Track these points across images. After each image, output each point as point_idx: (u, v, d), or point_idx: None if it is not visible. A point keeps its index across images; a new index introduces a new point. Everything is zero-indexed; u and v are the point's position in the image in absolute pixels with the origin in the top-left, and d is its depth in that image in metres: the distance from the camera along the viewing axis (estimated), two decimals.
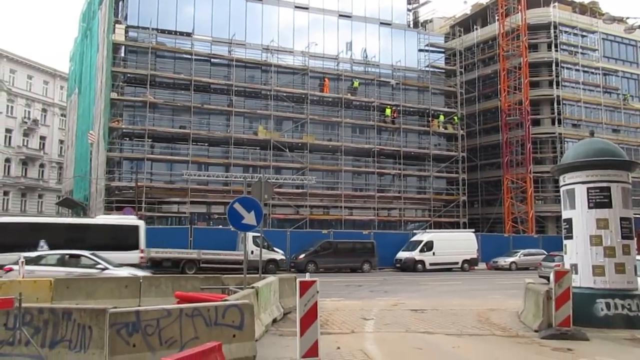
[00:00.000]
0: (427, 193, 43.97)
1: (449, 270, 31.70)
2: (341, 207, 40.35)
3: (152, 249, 25.27)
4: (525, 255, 33.58)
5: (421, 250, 31.67)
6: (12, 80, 54.30)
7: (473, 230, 37.27)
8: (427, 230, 36.42)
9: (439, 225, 41.70)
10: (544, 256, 28.09)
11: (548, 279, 18.75)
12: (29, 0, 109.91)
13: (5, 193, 52.73)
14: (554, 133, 45.35)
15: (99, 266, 15.95)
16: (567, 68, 47.40)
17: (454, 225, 42.62)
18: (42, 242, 24.70)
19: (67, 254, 16.87)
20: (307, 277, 7.09)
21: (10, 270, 15.42)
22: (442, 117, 45.09)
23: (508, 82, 44.53)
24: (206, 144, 38.50)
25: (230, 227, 11.49)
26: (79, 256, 16.57)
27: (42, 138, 58.00)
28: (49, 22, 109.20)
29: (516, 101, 44.36)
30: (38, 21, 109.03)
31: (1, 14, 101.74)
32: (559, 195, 11.66)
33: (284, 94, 40.01)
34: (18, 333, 6.77)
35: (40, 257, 16.51)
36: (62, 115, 60.20)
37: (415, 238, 33.52)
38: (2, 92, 52.79)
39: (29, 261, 15.44)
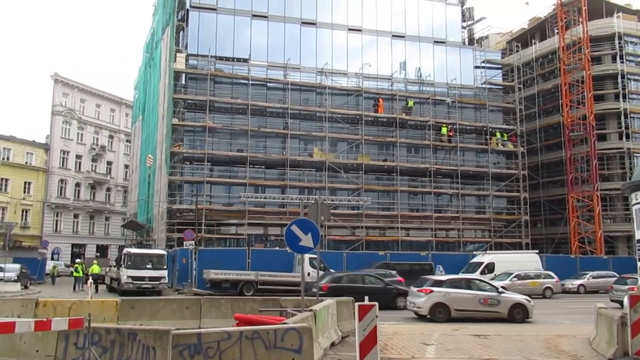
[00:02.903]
0: (487, 213, 42.71)
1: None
2: (397, 228, 39.82)
3: (211, 270, 25.83)
4: (594, 277, 31.71)
5: (482, 272, 30.38)
6: (82, 109, 57.73)
7: (537, 251, 35.71)
8: (488, 252, 35.14)
9: (499, 246, 40.20)
10: (615, 279, 26.48)
11: (621, 303, 17.66)
12: (97, 34, 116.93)
13: (75, 216, 55.59)
14: (622, 148, 43.19)
15: (499, 290, 17.00)
16: (635, 80, 45.23)
17: (516, 246, 40.96)
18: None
19: (466, 279, 18.46)
20: (366, 300, 7.00)
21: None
22: (498, 134, 43.96)
23: (570, 96, 42.85)
24: (263, 166, 39.23)
25: (287, 248, 11.57)
26: (474, 280, 18.01)
27: (109, 163, 60.98)
28: (115, 53, 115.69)
29: (580, 116, 42.61)
30: (105, 53, 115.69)
31: (73, 49, 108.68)
32: (630, 214, 11.01)
33: (339, 116, 40.29)
34: (87, 352, 7.02)
35: (448, 281, 17.44)
36: (127, 141, 63.17)
37: (475, 260, 32.47)
38: (73, 120, 56.15)
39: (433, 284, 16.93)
